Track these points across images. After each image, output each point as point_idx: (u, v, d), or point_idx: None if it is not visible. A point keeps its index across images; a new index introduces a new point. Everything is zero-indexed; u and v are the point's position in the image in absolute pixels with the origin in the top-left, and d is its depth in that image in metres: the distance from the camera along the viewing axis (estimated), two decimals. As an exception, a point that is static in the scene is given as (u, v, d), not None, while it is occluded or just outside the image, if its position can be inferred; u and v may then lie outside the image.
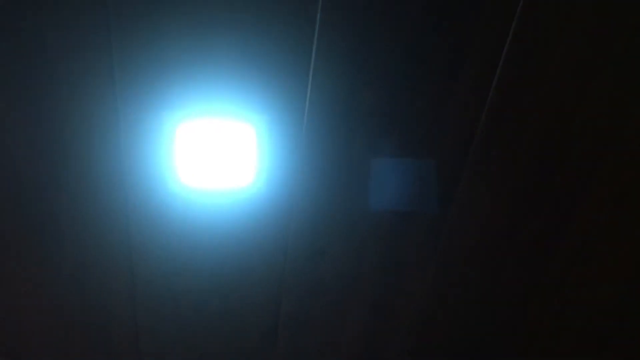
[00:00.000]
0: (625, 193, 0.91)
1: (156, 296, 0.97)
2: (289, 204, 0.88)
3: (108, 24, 0.68)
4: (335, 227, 0.92)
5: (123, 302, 0.98)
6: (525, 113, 0.81)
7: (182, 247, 0.92)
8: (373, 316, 1.05)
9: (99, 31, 0.69)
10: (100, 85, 0.73)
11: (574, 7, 0.72)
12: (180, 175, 0.83)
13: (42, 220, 0.85)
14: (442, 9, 0.71)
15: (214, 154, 0.81)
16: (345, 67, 0.75)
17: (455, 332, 1.10)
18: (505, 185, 0.89)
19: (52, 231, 0.87)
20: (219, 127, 0.79)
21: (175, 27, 0.69)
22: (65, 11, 0.67)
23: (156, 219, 0.88)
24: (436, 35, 0.73)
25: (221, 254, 0.94)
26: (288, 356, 1.11)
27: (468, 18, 0.72)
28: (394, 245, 0.95)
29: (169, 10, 0.68)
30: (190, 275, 0.96)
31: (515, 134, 0.83)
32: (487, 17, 0.72)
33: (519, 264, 1.00)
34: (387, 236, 0.94)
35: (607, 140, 0.85)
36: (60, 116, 0.75)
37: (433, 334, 1.10)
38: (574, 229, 0.95)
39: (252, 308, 1.02)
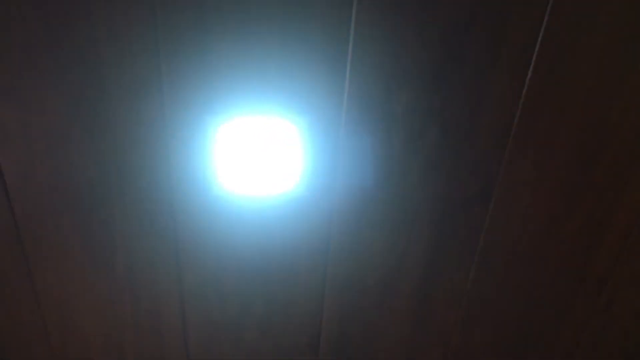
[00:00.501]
0: (669, 185, 0.90)
1: (203, 297, 1.01)
2: (329, 205, 0.90)
3: (156, 32, 0.73)
4: (376, 227, 0.94)
5: (172, 303, 1.01)
6: (562, 105, 0.82)
7: (228, 250, 0.95)
8: (415, 315, 1.06)
9: (147, 39, 0.73)
10: (148, 90, 0.77)
11: (607, -2, 0.73)
12: (225, 180, 0.86)
13: (96, 225, 0.90)
14: (474, 3, 0.73)
15: (257, 157, 0.84)
16: (381, 66, 0.77)
17: (498, 332, 1.10)
18: (545, 179, 0.89)
19: (106, 235, 0.91)
20: (260, 129, 0.82)
21: (220, 30, 0.73)
22: (116, 21, 0.71)
23: (202, 223, 0.91)
24: (469, 31, 0.75)
25: (265, 255, 0.96)
26: (331, 357, 1.12)
27: (501, 12, 0.73)
28: (435, 244, 0.96)
29: (214, 17, 0.72)
30: (236, 277, 0.99)
31: (553, 126, 0.84)
32: (520, 10, 0.73)
33: (562, 261, 1.00)
34: (429, 234, 0.95)
35: (647, 132, 0.85)
36: (112, 124, 0.80)
37: (475, 334, 1.10)
38: (618, 222, 0.94)
39: (296, 309, 1.04)
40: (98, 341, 1.06)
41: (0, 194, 0.85)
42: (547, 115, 0.83)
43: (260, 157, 0.85)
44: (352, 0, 0.71)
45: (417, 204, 0.91)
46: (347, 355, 1.12)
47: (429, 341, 1.10)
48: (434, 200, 0.91)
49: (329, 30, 0.74)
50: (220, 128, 0.81)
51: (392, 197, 0.90)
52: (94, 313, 1.02)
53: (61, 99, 0.77)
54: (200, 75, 0.76)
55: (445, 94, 0.80)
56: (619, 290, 1.04)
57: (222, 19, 0.72)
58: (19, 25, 0.71)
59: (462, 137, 0.84)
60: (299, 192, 0.89)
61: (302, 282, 1.00)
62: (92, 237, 0.91)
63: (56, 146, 0.81)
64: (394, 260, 0.98)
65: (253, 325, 1.06)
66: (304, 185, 0.88)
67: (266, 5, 0.71)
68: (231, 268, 0.98)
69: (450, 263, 0.99)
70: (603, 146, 0.86)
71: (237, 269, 0.98)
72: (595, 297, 1.06)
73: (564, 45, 0.77)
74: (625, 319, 1.09)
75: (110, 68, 0.75)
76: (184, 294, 1.00)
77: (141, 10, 0.71)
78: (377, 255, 0.97)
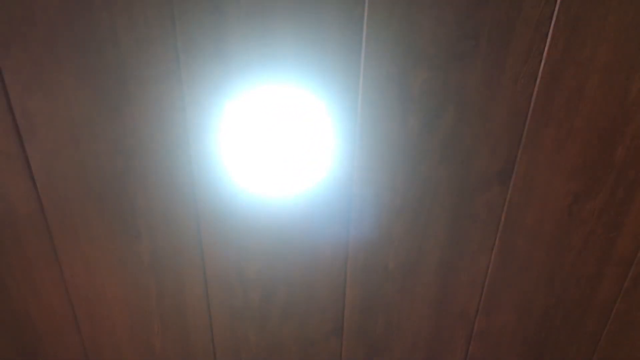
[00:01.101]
0: (692, 161, 0.89)
1: (227, 284, 1.02)
2: (349, 190, 0.91)
3: (173, 17, 0.74)
4: (395, 210, 0.94)
5: (196, 290, 1.03)
6: (580, 82, 0.81)
7: (249, 237, 0.96)
8: (437, 297, 1.06)
9: (164, 25, 0.75)
10: (167, 78, 0.79)
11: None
12: (246, 169, 0.88)
13: (122, 213, 0.92)
14: (487, -18, 0.73)
15: (278, 143, 0.85)
16: (396, 48, 0.78)
17: (522, 314, 1.09)
18: (563, 159, 0.89)
19: (131, 223, 0.94)
20: (277, 114, 0.83)
21: (235, 13, 0.74)
22: (134, 10, 0.73)
23: (223, 210, 0.92)
24: (483, 10, 0.75)
25: (286, 242, 0.97)
26: (355, 342, 1.13)
27: (514, -11, 0.73)
28: (455, 226, 0.96)
29: (230, 5, 0.73)
30: (259, 265, 1.00)
31: (571, 104, 0.83)
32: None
33: (585, 241, 0.99)
34: (448, 216, 0.95)
35: (668, 106, 0.84)
36: (133, 114, 0.82)
37: (498, 317, 1.10)
38: (639, 202, 0.94)
39: (318, 296, 1.05)
40: (126, 328, 1.08)
41: (28, 184, 0.88)
42: (565, 93, 0.82)
43: (279, 146, 0.86)
44: (365, -19, 0.72)
45: (436, 185, 0.91)
46: (370, 340, 1.13)
47: (452, 324, 1.10)
48: (453, 180, 0.91)
49: (343, 12, 0.75)
50: (239, 116, 0.83)
51: (410, 179, 0.90)
52: (121, 301, 1.04)
53: (84, 90, 0.79)
54: (217, 61, 0.78)
55: (461, 72, 0.80)
56: (644, 271, 1.03)
57: (237, 2, 0.73)
58: (42, 18, 0.73)
59: (480, 116, 0.84)
60: (318, 178, 0.90)
61: (323, 267, 1.01)
62: (117, 226, 0.94)
63: (81, 136, 0.84)
64: (414, 243, 0.98)
65: (276, 311, 1.07)
66: (323, 172, 0.89)
67: (280, -11, 0.72)
68: (253, 255, 0.99)
69: (470, 245, 0.99)
70: (623, 124, 0.85)
71: (259, 256, 0.99)
72: (621, 279, 1.05)
73: (580, 21, 0.76)
74: (651, 300, 1.07)
75: (130, 58, 0.77)
76: (208, 282, 1.02)
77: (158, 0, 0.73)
78: (396, 239, 0.98)
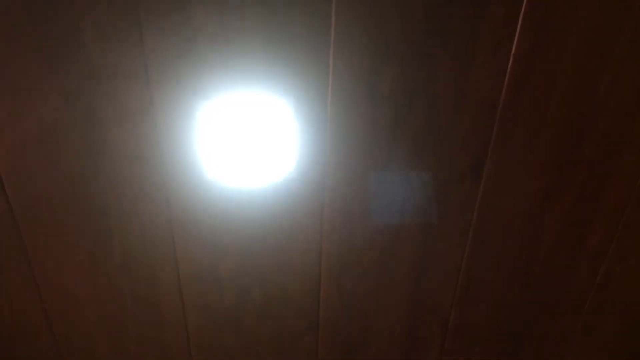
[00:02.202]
0: (660, 156, 0.90)
1: (201, 284, 1.02)
2: (321, 187, 0.91)
3: (139, 17, 0.73)
4: (368, 207, 0.94)
5: (170, 291, 1.02)
6: (549, 79, 0.82)
7: (223, 235, 0.96)
8: (412, 295, 1.07)
9: (131, 25, 0.74)
10: (134, 77, 0.78)
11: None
12: (217, 167, 0.87)
13: (93, 212, 0.91)
14: (454, -21, 0.73)
15: (246, 142, 0.85)
16: (364, 45, 0.78)
17: (496, 310, 1.10)
18: (534, 155, 0.89)
19: (102, 222, 0.93)
20: (248, 114, 0.83)
21: (202, 13, 0.74)
22: (100, 10, 0.72)
23: (195, 210, 0.92)
24: (450, 8, 0.75)
25: (260, 240, 0.97)
26: (331, 339, 1.13)
27: (480, -15, 0.73)
28: (428, 222, 0.97)
29: (196, 5, 0.73)
30: (233, 263, 1.00)
31: (540, 101, 0.84)
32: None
33: (557, 237, 1.00)
34: (421, 212, 0.95)
35: (636, 103, 0.85)
36: (101, 113, 0.81)
37: (473, 312, 1.10)
38: (610, 197, 0.94)
39: (293, 293, 1.05)
40: (99, 329, 1.07)
41: (-5, 184, 0.87)
42: (534, 90, 0.83)
43: (248, 142, 0.85)
44: (332, -22, 0.72)
45: (408, 182, 0.91)
46: (347, 337, 1.13)
47: (427, 320, 1.11)
48: (425, 177, 0.91)
49: (311, 10, 0.74)
50: (208, 113, 0.82)
51: (382, 175, 0.90)
52: (94, 301, 1.03)
53: (50, 90, 0.78)
54: (185, 60, 0.77)
55: (430, 69, 0.80)
56: (616, 266, 1.04)
57: (203, 3, 0.73)
58: (4, 18, 0.72)
59: (450, 113, 0.84)
60: (289, 177, 0.90)
61: (297, 265, 1.01)
62: (88, 227, 0.93)
63: (47, 137, 0.82)
64: (387, 239, 0.98)
65: (251, 311, 1.07)
66: (294, 170, 0.89)
67: (246, -14, 0.72)
68: (227, 254, 0.99)
69: (444, 241, 0.99)
70: (592, 120, 0.86)
71: (232, 255, 0.99)
72: (592, 274, 1.06)
73: (547, 18, 0.77)
74: (623, 294, 1.09)
75: (97, 59, 0.76)
76: (181, 282, 1.01)
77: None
78: (370, 235, 0.98)
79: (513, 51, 0.79)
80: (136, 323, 1.07)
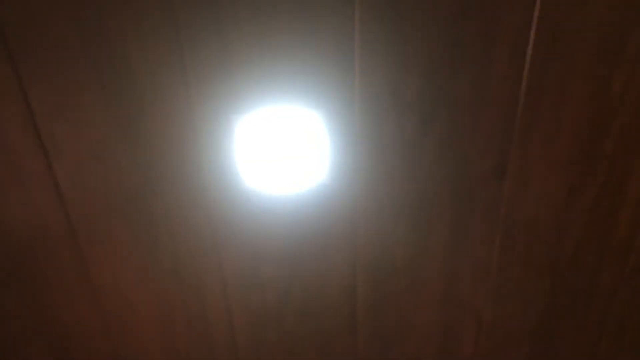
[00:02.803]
0: (680, 149, 0.93)
1: (244, 286, 1.09)
2: (353, 192, 0.97)
3: (180, 42, 0.81)
4: (399, 209, 1.00)
5: (216, 293, 1.10)
6: (565, 79, 0.86)
7: (264, 239, 1.03)
8: (444, 292, 1.11)
9: (173, 49, 0.82)
10: (177, 95, 0.86)
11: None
12: (254, 174, 0.94)
13: (143, 222, 0.99)
14: (468, -7, 0.78)
15: (280, 152, 0.92)
16: (387, 58, 0.83)
17: (528, 305, 1.14)
18: (555, 153, 0.93)
19: (151, 233, 1.01)
20: (280, 125, 0.89)
21: (237, 33, 0.81)
22: (146, 35, 0.80)
23: (236, 215, 0.99)
24: (465, 20, 0.80)
25: (298, 243, 1.03)
26: (369, 337, 1.18)
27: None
28: (457, 221, 1.01)
29: (232, 21, 0.80)
30: (273, 265, 1.06)
31: (558, 100, 0.88)
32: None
33: (583, 231, 1.03)
34: (450, 212, 1.00)
35: (652, 99, 0.88)
36: (147, 130, 0.89)
37: (505, 308, 1.14)
38: (633, 189, 0.97)
39: (331, 294, 1.11)
40: (153, 332, 1.15)
41: (57, 202, 0.95)
42: (551, 90, 0.87)
43: (283, 152, 0.92)
44: (354, -1, 0.78)
45: (436, 184, 0.96)
46: (384, 334, 1.18)
47: (460, 316, 1.15)
48: (452, 178, 0.96)
49: (335, 26, 0.81)
50: (245, 128, 0.89)
51: (411, 179, 0.96)
52: (147, 306, 1.11)
53: (103, 111, 0.86)
54: (223, 79, 0.84)
55: (451, 78, 0.86)
56: (644, 257, 1.07)
57: (236, 19, 0.80)
58: (63, 48, 0.81)
59: (472, 117, 0.89)
60: (323, 183, 0.96)
61: (334, 266, 1.07)
62: (139, 236, 1.01)
63: (102, 153, 0.91)
64: (418, 240, 1.03)
65: (292, 310, 1.13)
66: (327, 177, 0.95)
67: (276, 5, 0.79)
68: (267, 257, 1.05)
69: (473, 239, 1.04)
70: (609, 117, 0.90)
71: (273, 258, 1.05)
72: (621, 266, 1.09)
73: (560, 24, 0.81)
74: (654, 285, 1.11)
75: (143, 80, 0.84)
76: (226, 284, 1.08)
77: (165, 24, 0.79)
78: (402, 238, 1.03)
79: (529, 57, 0.84)
80: (185, 324, 1.14)
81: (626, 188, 0.98)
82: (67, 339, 1.16)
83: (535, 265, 1.08)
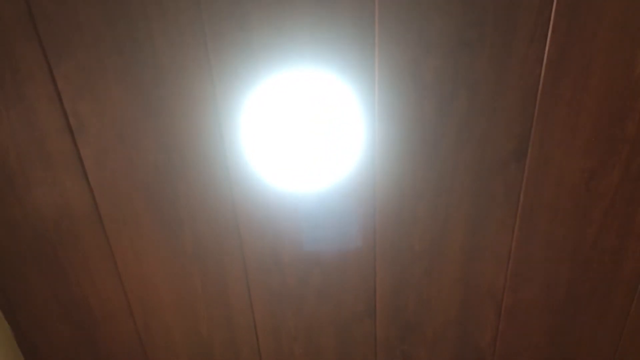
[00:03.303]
0: None
1: (265, 269, 1.10)
2: (371, 176, 0.98)
3: (202, 22, 0.83)
4: (417, 193, 1.00)
5: (236, 275, 1.11)
6: (585, 61, 0.86)
7: (285, 222, 1.04)
8: (464, 277, 1.11)
9: (195, 29, 0.83)
10: (200, 77, 0.87)
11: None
12: (276, 156, 0.95)
13: (166, 204, 1.01)
14: (487, -28, 0.78)
15: (302, 135, 0.93)
16: (407, 39, 0.84)
17: (549, 290, 1.13)
18: (576, 136, 0.93)
19: (174, 214, 1.02)
20: (299, 106, 0.90)
21: (258, 13, 0.82)
22: (168, 15, 0.82)
23: (257, 200, 1.00)
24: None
25: (318, 227, 1.04)
26: (388, 322, 1.19)
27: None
28: (476, 205, 1.01)
29: (252, 1, 0.81)
30: (293, 249, 1.08)
31: (579, 82, 0.88)
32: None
33: (604, 216, 1.03)
34: (468, 196, 1.00)
35: (676, 80, 0.87)
36: (170, 109, 0.90)
37: (525, 293, 1.14)
38: (654, 174, 0.97)
39: (350, 279, 1.12)
40: (175, 313, 1.17)
41: (82, 179, 0.98)
42: (571, 72, 0.87)
43: (306, 134, 0.93)
44: (374, -21, 0.79)
45: (454, 167, 0.97)
46: (403, 319, 1.19)
47: (480, 301, 1.15)
48: (470, 162, 0.96)
49: (356, 9, 0.81)
50: (266, 109, 0.90)
51: (429, 162, 0.96)
52: (169, 288, 1.13)
53: (126, 92, 0.88)
54: (244, 61, 0.86)
55: (470, 59, 0.86)
56: (667, 243, 1.05)
57: (259, 6, 0.81)
58: (88, 27, 0.83)
59: (491, 99, 0.89)
60: (343, 167, 0.97)
61: (353, 251, 1.07)
62: (162, 216, 1.03)
63: (126, 134, 0.93)
64: (437, 224, 1.04)
65: (312, 294, 1.14)
66: (347, 160, 0.96)
67: (297, -9, 0.80)
68: (287, 241, 1.06)
69: (492, 223, 1.04)
70: (631, 99, 0.89)
71: (293, 242, 1.07)
72: (644, 252, 1.08)
73: (581, 3, 0.81)
74: (677, 272, 1.09)
75: (165, 60, 0.86)
76: (247, 267, 1.10)
77: (187, 4, 0.81)
78: (421, 221, 1.03)
79: (549, 37, 0.83)
80: (207, 307, 1.16)
81: (649, 172, 0.97)
82: (92, 318, 1.18)
83: (556, 250, 1.07)
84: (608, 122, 0.91)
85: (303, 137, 0.93)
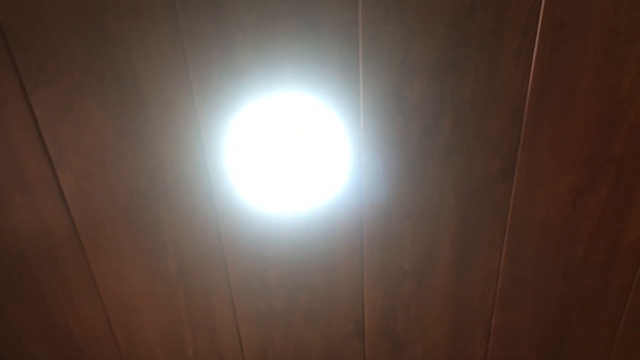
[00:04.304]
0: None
1: (251, 291, 1.08)
2: (358, 197, 0.96)
3: (183, 47, 0.81)
4: (405, 213, 0.99)
5: (222, 298, 1.09)
6: (572, 80, 0.85)
7: (270, 244, 1.02)
8: (454, 296, 1.10)
9: (176, 54, 0.81)
10: (181, 100, 0.86)
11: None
12: (261, 178, 0.93)
13: (148, 228, 0.99)
14: (472, -6, 0.77)
15: (287, 157, 0.91)
16: (391, 61, 0.83)
17: (539, 308, 1.12)
18: (563, 155, 0.92)
19: (157, 237, 1.00)
20: (284, 130, 0.89)
21: (241, 38, 0.81)
22: (149, 41, 0.80)
23: (242, 221, 0.98)
24: (470, 21, 0.79)
25: (305, 248, 1.03)
26: (377, 342, 1.18)
27: (496, -2, 0.78)
28: (464, 225, 1.00)
29: (235, 26, 0.80)
30: (279, 270, 1.06)
31: (565, 102, 0.87)
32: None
33: (593, 234, 1.02)
34: (456, 216, 0.99)
35: (662, 99, 0.87)
36: (151, 134, 0.88)
37: (515, 312, 1.13)
38: (642, 192, 0.96)
39: (338, 300, 1.10)
40: (159, 337, 1.15)
41: (61, 207, 0.95)
42: (557, 92, 0.86)
43: (288, 157, 0.91)
44: (357, 0, 0.77)
45: (441, 187, 0.95)
46: (392, 339, 1.17)
47: (470, 320, 1.14)
48: (458, 182, 0.95)
49: (339, 31, 0.80)
50: (249, 131, 0.89)
51: (416, 183, 0.95)
52: (153, 311, 1.11)
53: (107, 116, 0.86)
54: (226, 84, 0.84)
55: (455, 79, 0.85)
56: (656, 259, 1.05)
57: (240, 24, 0.79)
58: (66, 54, 0.81)
59: (477, 119, 0.88)
60: (330, 187, 0.95)
61: (341, 270, 1.06)
62: (144, 241, 1.00)
63: (106, 158, 0.91)
64: (425, 243, 1.02)
65: (300, 315, 1.13)
66: (334, 181, 0.94)
67: (279, 6, 0.78)
68: (274, 261, 1.05)
69: (481, 242, 1.03)
70: (618, 118, 0.88)
71: (279, 262, 1.05)
72: (633, 268, 1.07)
73: (565, 25, 0.80)
74: (666, 288, 1.09)
75: (146, 85, 0.84)
76: (232, 289, 1.08)
77: (168, 29, 0.79)
78: (409, 240, 1.02)
79: (534, 58, 0.83)
80: (192, 330, 1.14)
81: (637, 188, 0.96)
82: (73, 344, 1.16)
83: (545, 268, 1.06)
84: (594, 141, 0.91)
85: (288, 160, 0.92)
